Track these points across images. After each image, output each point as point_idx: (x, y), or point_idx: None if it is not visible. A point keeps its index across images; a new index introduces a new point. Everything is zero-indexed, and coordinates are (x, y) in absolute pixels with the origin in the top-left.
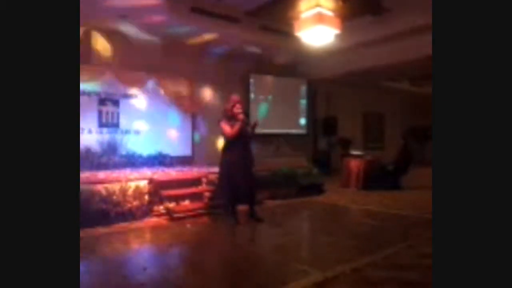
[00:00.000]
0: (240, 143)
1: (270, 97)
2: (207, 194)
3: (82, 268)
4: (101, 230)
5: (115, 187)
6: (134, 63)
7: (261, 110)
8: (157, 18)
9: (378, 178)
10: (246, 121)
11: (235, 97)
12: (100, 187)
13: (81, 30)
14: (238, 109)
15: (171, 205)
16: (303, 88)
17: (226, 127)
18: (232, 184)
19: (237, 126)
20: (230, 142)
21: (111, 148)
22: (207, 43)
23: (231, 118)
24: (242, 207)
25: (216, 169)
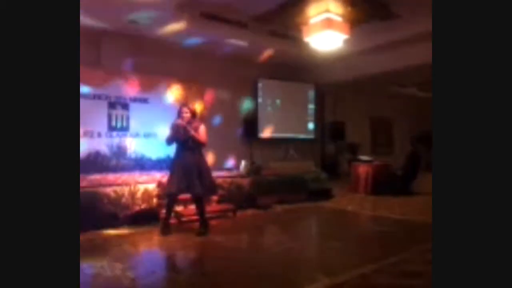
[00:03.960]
0: (180, 148)
1: (278, 101)
2: (214, 197)
3: (90, 270)
4: (110, 232)
5: (124, 190)
6: (144, 67)
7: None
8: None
9: (386, 183)
10: (184, 126)
11: (184, 102)
12: (109, 190)
13: (92, 33)
14: (183, 113)
15: (179, 208)
16: (311, 93)
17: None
18: (173, 187)
19: (171, 131)
20: (176, 146)
21: (121, 151)
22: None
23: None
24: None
25: (222, 173)
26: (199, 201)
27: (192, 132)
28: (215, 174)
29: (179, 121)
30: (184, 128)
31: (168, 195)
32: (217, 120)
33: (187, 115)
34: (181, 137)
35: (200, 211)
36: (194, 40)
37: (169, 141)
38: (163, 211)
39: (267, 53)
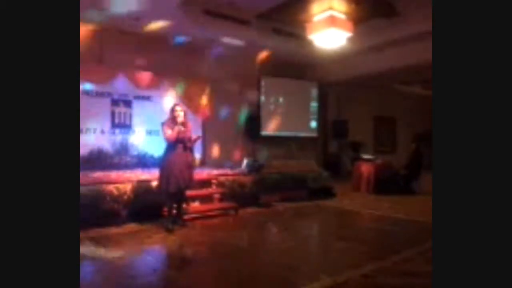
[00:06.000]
0: (179, 145)
1: (281, 99)
2: (216, 196)
3: (92, 267)
4: (112, 230)
5: (127, 187)
6: (147, 64)
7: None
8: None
9: (389, 182)
10: (185, 125)
11: (176, 102)
12: (111, 187)
13: (94, 30)
14: (177, 111)
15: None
16: (314, 91)
17: (166, 130)
18: (173, 185)
19: (175, 130)
20: (170, 145)
21: (123, 149)
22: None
23: (173, 121)
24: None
25: (225, 171)
26: (184, 197)
27: (197, 138)
28: (217, 171)
29: (195, 136)
30: (197, 138)
31: (169, 194)
32: (220, 118)
33: (181, 113)
34: (184, 139)
35: (182, 205)
36: (194, 37)
37: (174, 142)
38: (165, 209)
39: (269, 51)
